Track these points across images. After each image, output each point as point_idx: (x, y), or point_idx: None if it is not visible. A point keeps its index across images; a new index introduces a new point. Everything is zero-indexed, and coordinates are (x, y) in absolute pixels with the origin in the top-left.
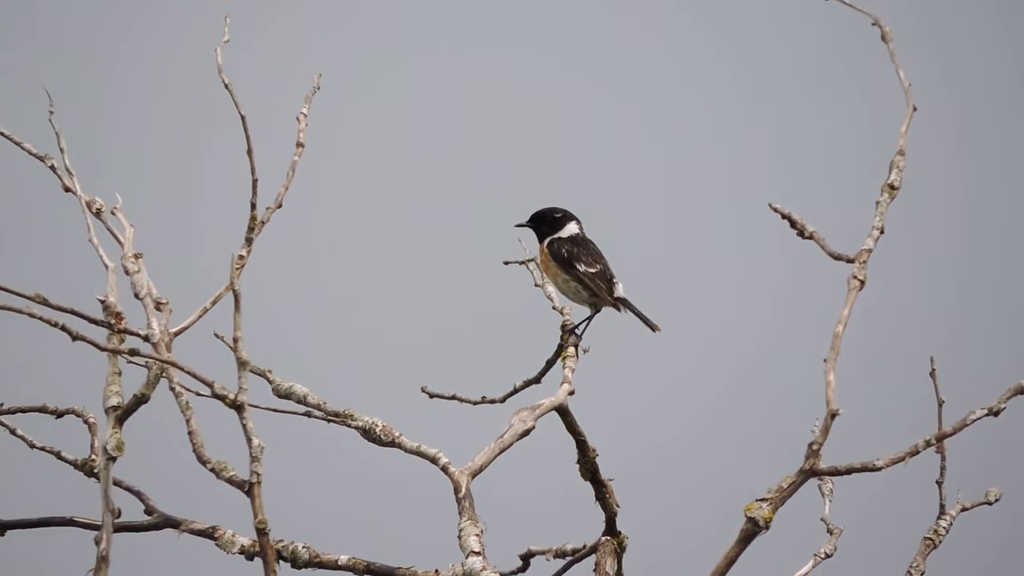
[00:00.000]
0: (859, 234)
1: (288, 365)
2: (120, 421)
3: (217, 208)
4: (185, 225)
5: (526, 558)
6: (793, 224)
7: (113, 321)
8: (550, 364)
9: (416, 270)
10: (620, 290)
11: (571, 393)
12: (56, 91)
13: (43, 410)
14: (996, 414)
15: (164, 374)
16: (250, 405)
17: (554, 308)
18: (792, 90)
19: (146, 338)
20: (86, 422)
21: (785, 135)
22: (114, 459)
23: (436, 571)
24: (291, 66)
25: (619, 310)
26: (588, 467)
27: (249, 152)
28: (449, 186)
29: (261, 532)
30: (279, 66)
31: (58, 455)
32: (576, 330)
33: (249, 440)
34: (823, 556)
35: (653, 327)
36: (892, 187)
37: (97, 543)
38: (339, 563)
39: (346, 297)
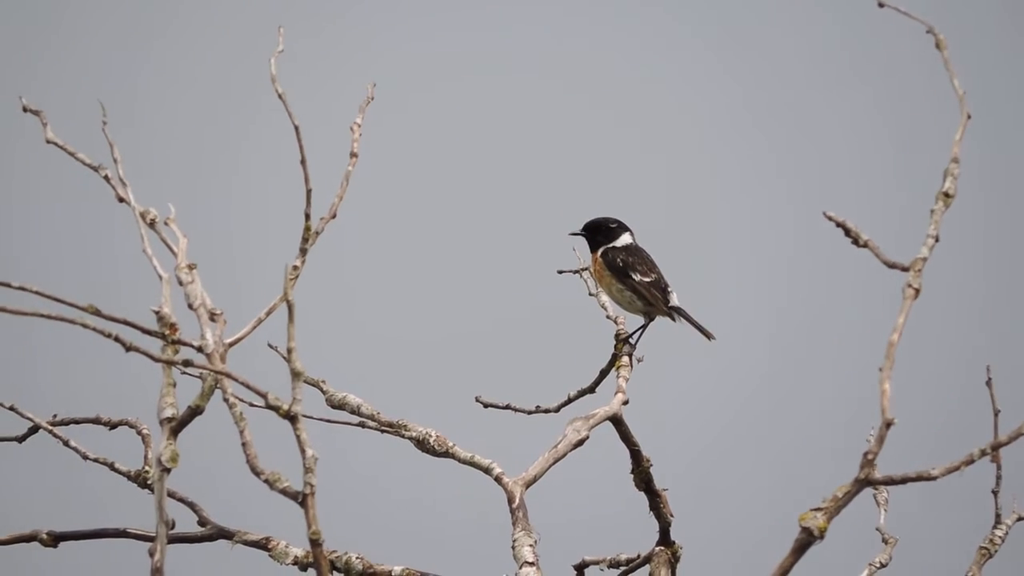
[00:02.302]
0: (914, 242)
1: (342, 375)
2: (174, 432)
3: (271, 218)
4: (239, 236)
5: (580, 568)
6: (848, 232)
7: (167, 332)
8: (604, 373)
9: (470, 280)
10: (675, 299)
11: (625, 403)
12: (110, 101)
13: (97, 421)
14: None
15: (218, 385)
16: (304, 416)
17: (608, 317)
18: (844, 96)
19: (200, 349)
20: (140, 433)
21: (835, 142)
22: (168, 470)
23: None
24: (345, 75)
25: (674, 319)
26: (642, 477)
27: (303, 162)
28: (503, 195)
29: (315, 543)
30: (334, 75)
31: (112, 466)
32: (630, 339)
33: (303, 451)
34: (878, 566)
35: (708, 335)
36: (947, 195)
37: (151, 554)
38: (393, 574)
39: (400, 307)
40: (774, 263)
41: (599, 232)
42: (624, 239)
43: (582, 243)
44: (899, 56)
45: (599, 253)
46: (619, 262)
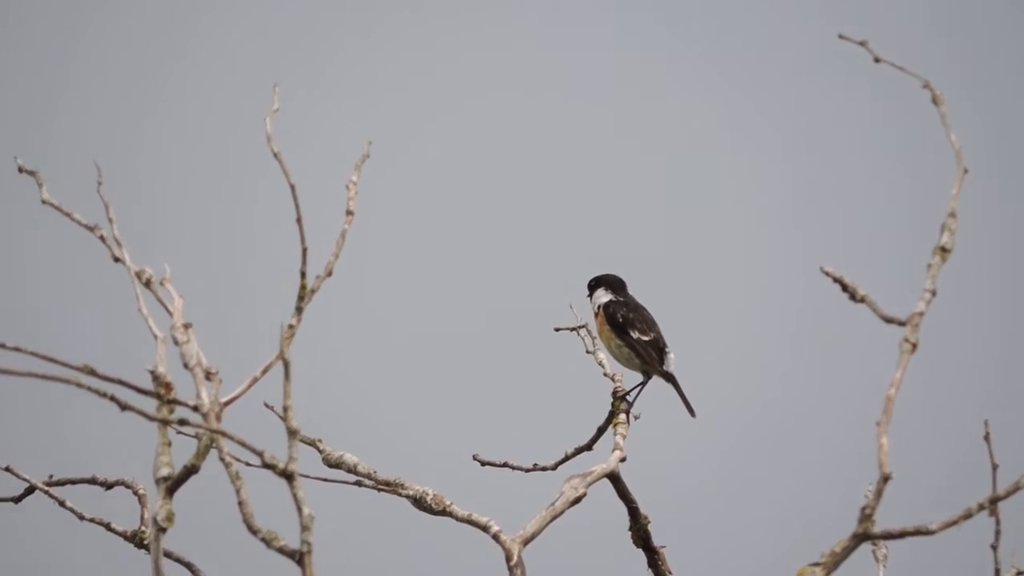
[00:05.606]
0: (910, 297)
1: (339, 435)
2: (170, 492)
3: (267, 277)
4: (235, 295)
5: None
6: (845, 288)
7: (162, 391)
8: (601, 431)
9: (467, 337)
10: (671, 362)
11: (623, 460)
12: (104, 161)
13: (93, 482)
14: None
15: (214, 444)
16: (301, 474)
17: (605, 375)
18: (844, 151)
19: (196, 408)
20: (136, 493)
21: (835, 196)
22: (164, 530)
23: None
24: (341, 133)
25: (668, 381)
26: (640, 534)
27: (299, 220)
28: (499, 252)
29: None
30: (329, 133)
31: (108, 527)
32: (627, 397)
33: (300, 509)
34: None
35: (692, 412)
36: (944, 249)
37: None
38: None
39: (396, 365)
40: (774, 316)
41: (601, 287)
42: (626, 295)
43: (580, 301)
44: (908, 103)
45: (601, 308)
46: (619, 318)
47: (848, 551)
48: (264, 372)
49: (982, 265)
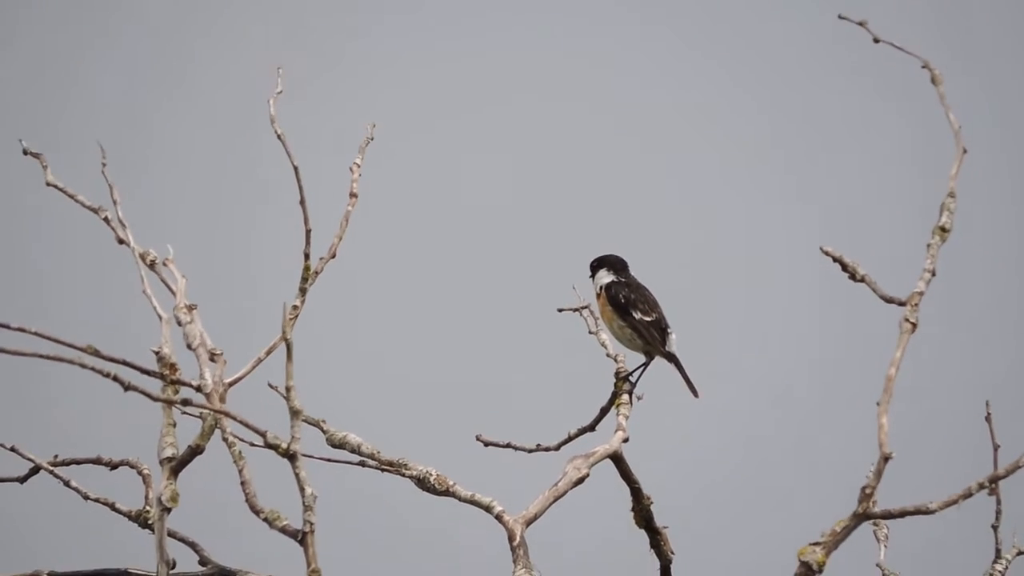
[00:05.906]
0: (911, 277)
1: (343, 414)
2: (174, 472)
3: (270, 259)
4: (238, 276)
5: None
6: (845, 267)
7: (167, 372)
8: (604, 411)
9: (470, 318)
10: (672, 343)
11: (625, 440)
12: (108, 143)
13: (97, 461)
14: None
15: (218, 424)
16: (303, 455)
17: (608, 355)
18: (841, 133)
19: (199, 388)
20: (140, 473)
21: (836, 178)
22: (168, 510)
23: None
24: (344, 116)
25: (670, 361)
26: (643, 514)
27: (302, 202)
28: (502, 233)
29: None
30: (332, 116)
31: (112, 506)
32: (630, 377)
33: (302, 489)
34: None
35: (695, 392)
36: (943, 229)
37: None
38: None
39: (400, 346)
40: (779, 297)
41: (603, 267)
42: (628, 276)
43: (582, 281)
44: (912, 79)
45: (603, 288)
46: (621, 298)
47: (848, 530)
48: (268, 353)
49: (985, 246)
